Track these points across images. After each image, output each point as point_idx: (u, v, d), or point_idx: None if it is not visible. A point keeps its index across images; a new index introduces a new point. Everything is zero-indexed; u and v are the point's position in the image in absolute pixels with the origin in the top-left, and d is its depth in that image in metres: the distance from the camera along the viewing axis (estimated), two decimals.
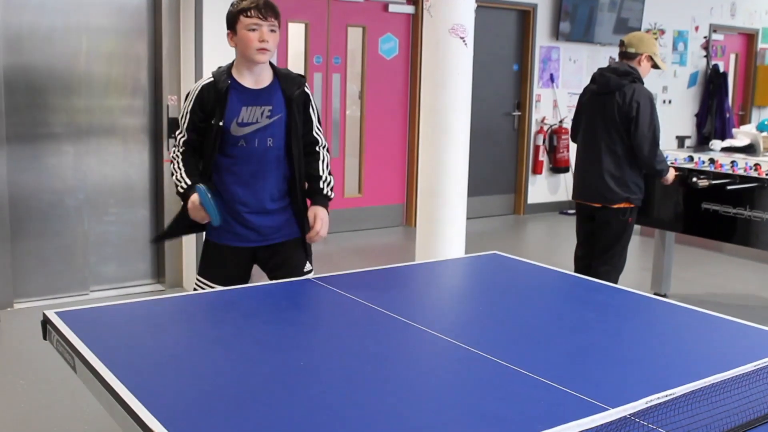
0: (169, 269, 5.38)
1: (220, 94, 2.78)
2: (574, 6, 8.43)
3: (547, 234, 8.02)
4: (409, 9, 7.41)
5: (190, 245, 5.29)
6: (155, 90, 5.27)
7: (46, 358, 3.47)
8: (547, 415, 1.64)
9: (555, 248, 7.26)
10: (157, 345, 2.07)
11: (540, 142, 8.54)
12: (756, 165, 4.68)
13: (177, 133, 2.91)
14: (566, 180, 8.74)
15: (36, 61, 4.86)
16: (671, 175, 4.50)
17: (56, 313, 2.22)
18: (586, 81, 4.52)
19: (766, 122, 5.83)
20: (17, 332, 4.46)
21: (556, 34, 8.45)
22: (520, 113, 8.47)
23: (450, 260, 3.71)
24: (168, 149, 5.26)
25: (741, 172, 4.71)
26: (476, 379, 1.90)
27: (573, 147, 4.79)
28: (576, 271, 4.42)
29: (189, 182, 2.81)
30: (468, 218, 4.37)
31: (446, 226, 4.17)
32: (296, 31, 6.82)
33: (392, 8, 7.29)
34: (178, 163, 2.86)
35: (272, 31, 2.78)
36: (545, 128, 8.56)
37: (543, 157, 8.59)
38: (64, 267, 5.05)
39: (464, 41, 4.05)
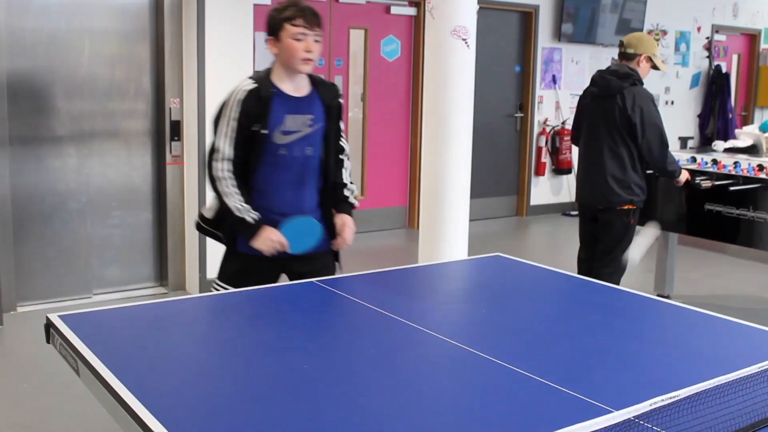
0: (172, 272, 5.38)
1: (264, 101, 2.71)
2: (576, 7, 8.43)
3: (550, 236, 8.01)
4: (411, 11, 7.41)
5: (192, 248, 5.29)
6: (158, 93, 5.27)
7: (50, 361, 3.47)
8: (550, 417, 1.63)
9: (558, 250, 7.25)
10: (160, 348, 2.07)
11: (542, 143, 8.54)
12: (759, 166, 4.67)
13: (215, 145, 2.75)
14: (569, 181, 8.73)
15: (39, 64, 4.87)
16: (684, 176, 4.49)
17: (59, 316, 2.22)
18: (588, 82, 4.52)
19: None
20: (20, 336, 4.47)
21: (558, 35, 8.45)
22: (522, 115, 8.46)
23: (453, 262, 3.71)
24: (170, 152, 5.26)
25: (744, 173, 4.70)
26: (479, 381, 1.90)
27: (575, 149, 4.79)
28: (579, 272, 4.41)
29: (258, 215, 2.74)
30: (470, 220, 4.36)
31: (449, 228, 4.17)
32: None
33: (394, 10, 7.29)
34: (228, 186, 2.73)
35: (317, 41, 2.74)
36: (548, 130, 8.56)
37: (545, 158, 8.58)
38: (67, 270, 5.06)
39: (466, 43, 4.05)
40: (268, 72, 2.80)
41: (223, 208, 2.79)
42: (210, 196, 2.89)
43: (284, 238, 2.75)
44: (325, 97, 2.85)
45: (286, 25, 2.70)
